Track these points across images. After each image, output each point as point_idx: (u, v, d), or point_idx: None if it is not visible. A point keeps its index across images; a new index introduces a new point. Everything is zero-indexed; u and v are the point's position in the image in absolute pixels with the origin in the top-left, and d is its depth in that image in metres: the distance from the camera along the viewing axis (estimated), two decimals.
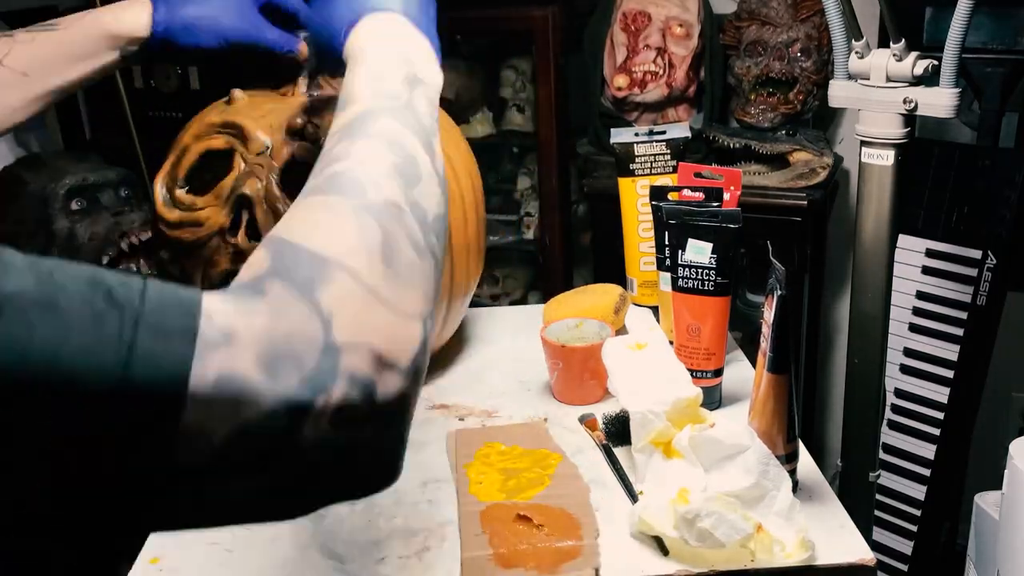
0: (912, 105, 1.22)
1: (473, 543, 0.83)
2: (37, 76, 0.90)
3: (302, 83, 1.06)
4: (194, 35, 0.94)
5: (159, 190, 1.02)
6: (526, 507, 0.87)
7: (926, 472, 1.85)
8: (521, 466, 0.95)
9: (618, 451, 0.98)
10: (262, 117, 1.01)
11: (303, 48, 1.00)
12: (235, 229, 0.98)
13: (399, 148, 0.59)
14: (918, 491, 1.86)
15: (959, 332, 1.79)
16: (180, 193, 1.01)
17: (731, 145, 1.89)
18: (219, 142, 1.01)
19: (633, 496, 0.90)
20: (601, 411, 1.04)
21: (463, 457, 0.97)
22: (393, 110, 0.62)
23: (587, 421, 1.04)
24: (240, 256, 0.97)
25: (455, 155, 1.10)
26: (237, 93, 1.05)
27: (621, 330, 1.17)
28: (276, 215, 0.97)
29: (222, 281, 0.97)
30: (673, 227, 1.02)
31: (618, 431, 1.00)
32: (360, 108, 0.62)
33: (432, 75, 0.70)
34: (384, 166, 0.57)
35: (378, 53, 0.68)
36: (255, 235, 0.97)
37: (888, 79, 1.23)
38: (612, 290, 1.21)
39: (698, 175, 1.14)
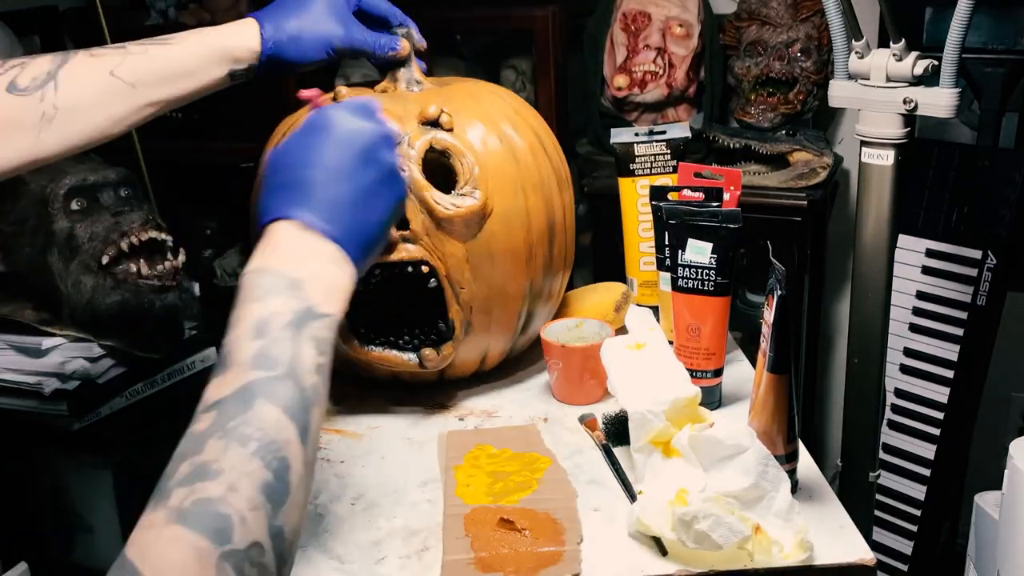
0: (912, 105, 1.22)
1: (455, 547, 0.83)
2: (144, 88, 0.91)
3: (402, 79, 1.11)
4: (300, 48, 0.97)
5: None
6: (511, 511, 0.87)
7: (926, 472, 1.85)
8: (510, 469, 0.94)
9: (618, 451, 0.98)
10: (387, 110, 1.01)
11: (404, 45, 1.06)
12: None
13: (272, 453, 0.58)
14: (918, 491, 1.86)
15: (959, 332, 1.79)
16: None
17: (731, 145, 1.89)
18: None
19: (632, 496, 0.90)
20: (601, 411, 1.04)
21: (452, 459, 0.97)
22: (271, 386, 0.60)
23: (587, 421, 1.04)
24: (389, 247, 1.00)
25: (554, 158, 1.14)
26: (343, 91, 1.07)
27: (621, 329, 1.17)
28: (423, 203, 1.00)
29: (366, 275, 0.99)
30: (673, 227, 1.02)
31: (618, 431, 1.00)
32: (238, 381, 0.60)
33: (331, 303, 0.67)
34: (253, 491, 0.56)
35: (265, 288, 0.65)
36: (402, 224, 1.00)
37: (888, 79, 1.23)
38: (615, 288, 1.21)
39: (698, 175, 1.14)
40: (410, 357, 1.05)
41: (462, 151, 1.03)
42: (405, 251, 1.01)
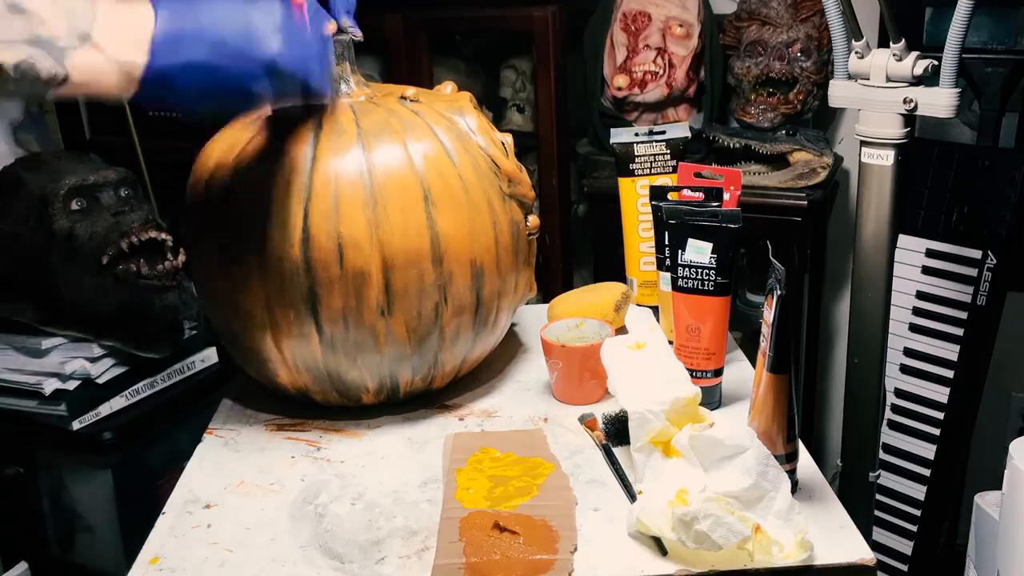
0: (912, 105, 1.22)
1: (447, 551, 0.83)
2: None
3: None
4: None
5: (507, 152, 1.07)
6: (507, 516, 0.86)
7: (926, 472, 1.85)
8: (511, 474, 0.94)
9: (618, 451, 0.98)
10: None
11: (330, 26, 1.01)
12: None
13: None
14: (918, 491, 1.86)
15: (959, 332, 1.79)
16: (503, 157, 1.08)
17: (731, 145, 1.89)
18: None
19: (632, 496, 0.90)
20: (601, 411, 1.04)
21: (456, 461, 0.97)
22: None
23: (587, 421, 1.04)
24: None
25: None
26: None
27: (621, 329, 1.17)
28: None
29: None
30: (673, 227, 1.02)
31: (618, 431, 1.00)
32: None
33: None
34: None
35: None
36: None
37: (888, 79, 1.23)
38: (615, 288, 1.21)
39: (698, 175, 1.14)
40: None
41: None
42: None
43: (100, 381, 1.51)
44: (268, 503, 0.94)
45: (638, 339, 1.02)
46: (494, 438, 1.02)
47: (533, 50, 2.02)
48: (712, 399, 1.05)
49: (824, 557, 0.81)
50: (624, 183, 1.22)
